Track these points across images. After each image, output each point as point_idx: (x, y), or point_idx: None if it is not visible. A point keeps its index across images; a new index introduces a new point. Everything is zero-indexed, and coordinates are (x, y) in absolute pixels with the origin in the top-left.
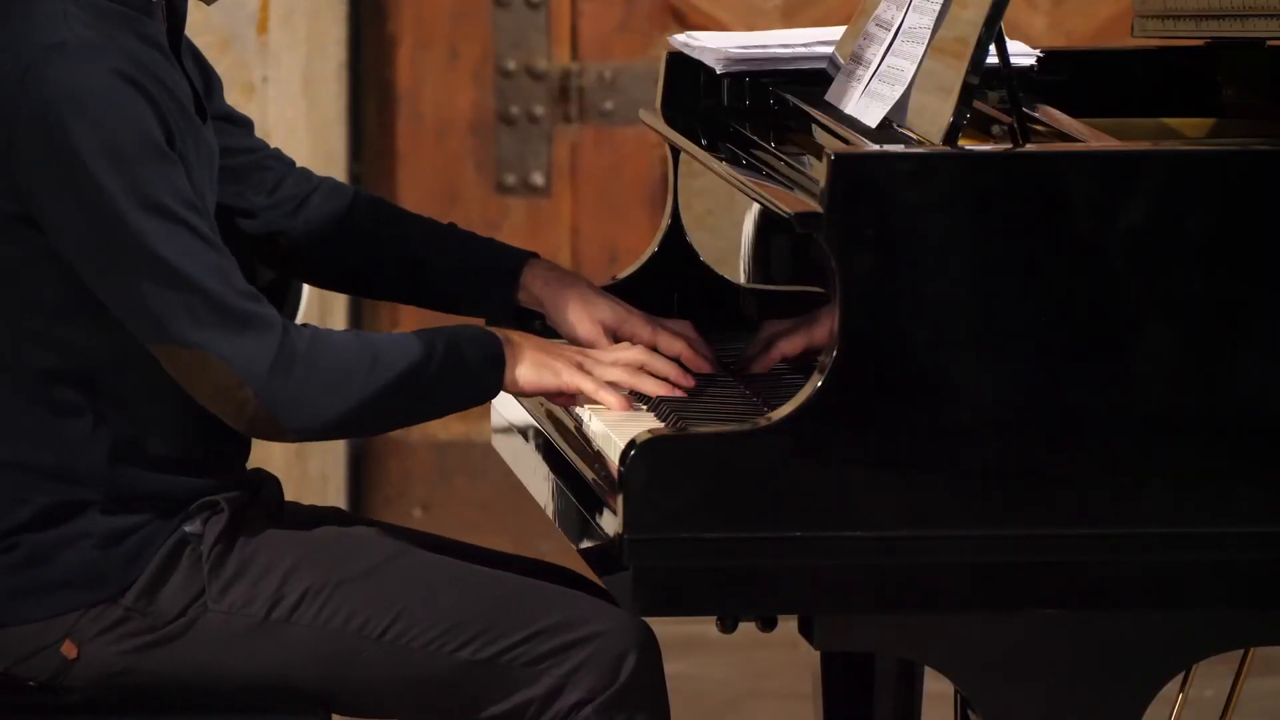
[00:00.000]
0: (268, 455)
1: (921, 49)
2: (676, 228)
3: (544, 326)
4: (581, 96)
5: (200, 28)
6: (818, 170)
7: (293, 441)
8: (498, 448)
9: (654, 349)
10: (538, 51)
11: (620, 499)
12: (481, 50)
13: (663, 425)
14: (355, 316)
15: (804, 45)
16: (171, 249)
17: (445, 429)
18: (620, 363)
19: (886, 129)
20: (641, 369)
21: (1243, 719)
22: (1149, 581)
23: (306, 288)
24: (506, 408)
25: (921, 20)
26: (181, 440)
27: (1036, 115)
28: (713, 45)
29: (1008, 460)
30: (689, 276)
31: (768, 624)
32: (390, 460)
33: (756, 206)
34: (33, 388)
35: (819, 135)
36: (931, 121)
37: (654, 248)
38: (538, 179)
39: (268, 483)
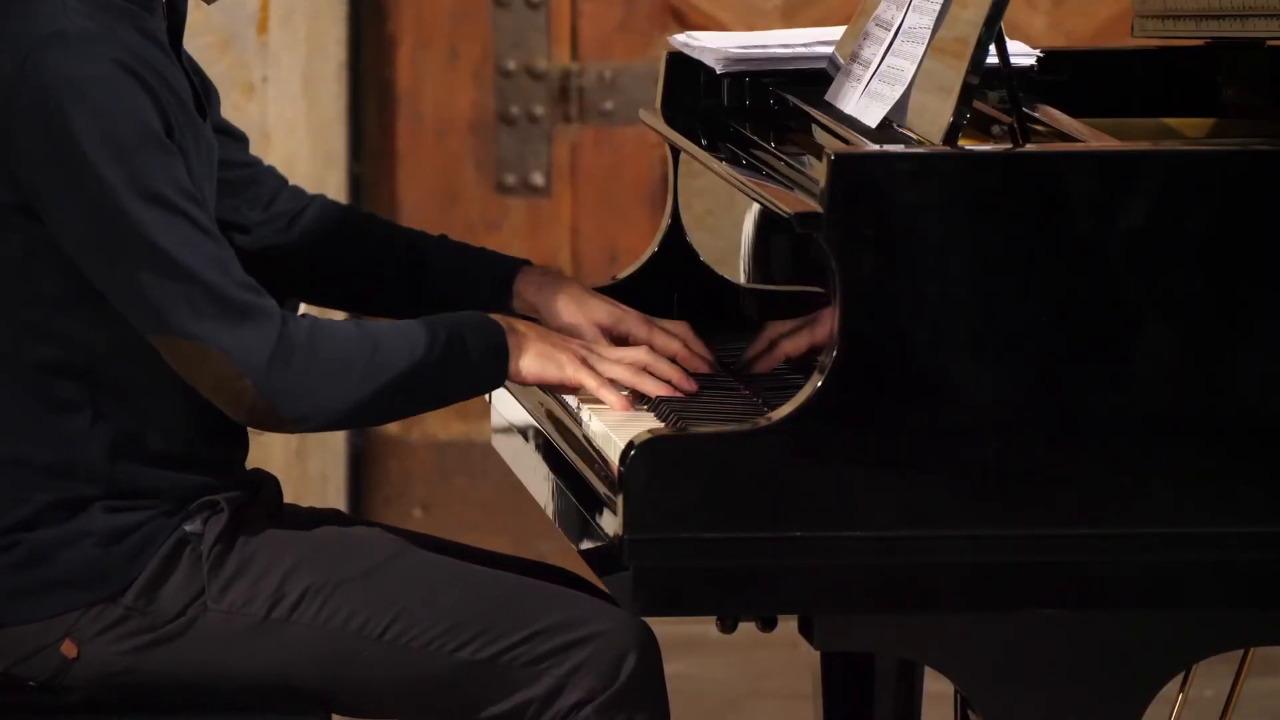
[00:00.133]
0: (267, 455)
1: (921, 49)
2: (676, 228)
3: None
4: (581, 96)
5: (200, 28)
6: (818, 170)
7: (293, 432)
8: (498, 448)
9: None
10: (538, 51)
11: (620, 499)
12: (481, 50)
13: (663, 425)
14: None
15: (804, 45)
16: (171, 240)
17: (445, 429)
18: (624, 361)
19: (886, 129)
20: (645, 369)
21: (1243, 719)
22: (1149, 581)
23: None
24: (506, 407)
25: (921, 20)
26: (181, 437)
27: (1036, 115)
28: (713, 45)
29: (1008, 460)
30: (689, 276)
31: (768, 624)
32: (390, 460)
33: (756, 206)
34: (32, 383)
35: (819, 135)
36: (931, 121)
37: (654, 248)
38: (538, 179)
39: (267, 483)
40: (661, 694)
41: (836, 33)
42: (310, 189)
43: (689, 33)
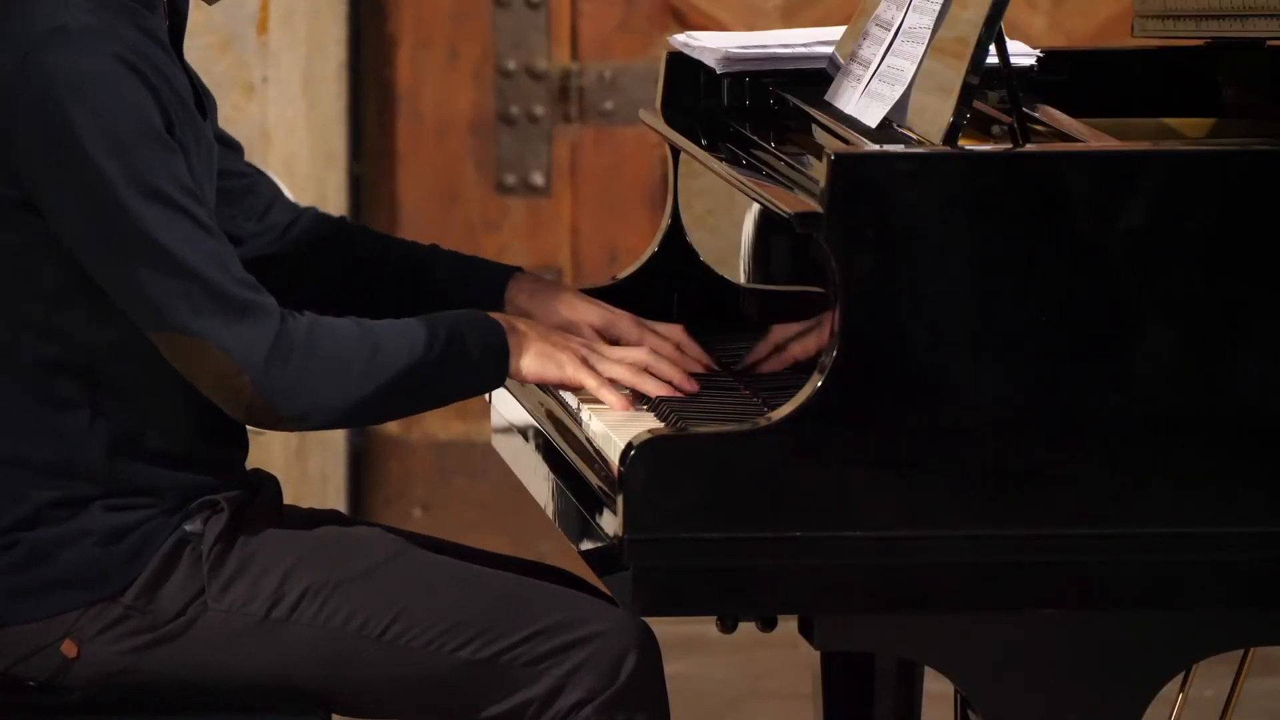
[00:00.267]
0: (267, 455)
1: (921, 49)
2: (676, 228)
3: None
4: (581, 96)
5: (200, 28)
6: (818, 170)
7: (291, 430)
8: (498, 448)
9: None
10: (538, 51)
11: (620, 499)
12: (481, 50)
13: (663, 425)
14: None
15: (804, 45)
16: (171, 236)
17: (445, 429)
18: (625, 361)
19: (886, 129)
20: (645, 369)
21: (1243, 719)
22: (1149, 581)
23: None
24: (506, 408)
25: (921, 20)
26: (181, 436)
27: (1036, 115)
28: (713, 45)
29: (1008, 460)
30: (689, 276)
31: (768, 624)
32: (390, 460)
33: (756, 206)
34: (31, 380)
35: (819, 135)
36: (931, 121)
37: (654, 248)
38: (538, 179)
39: (267, 483)
40: (661, 694)
41: (836, 33)
42: (310, 189)
43: (689, 33)
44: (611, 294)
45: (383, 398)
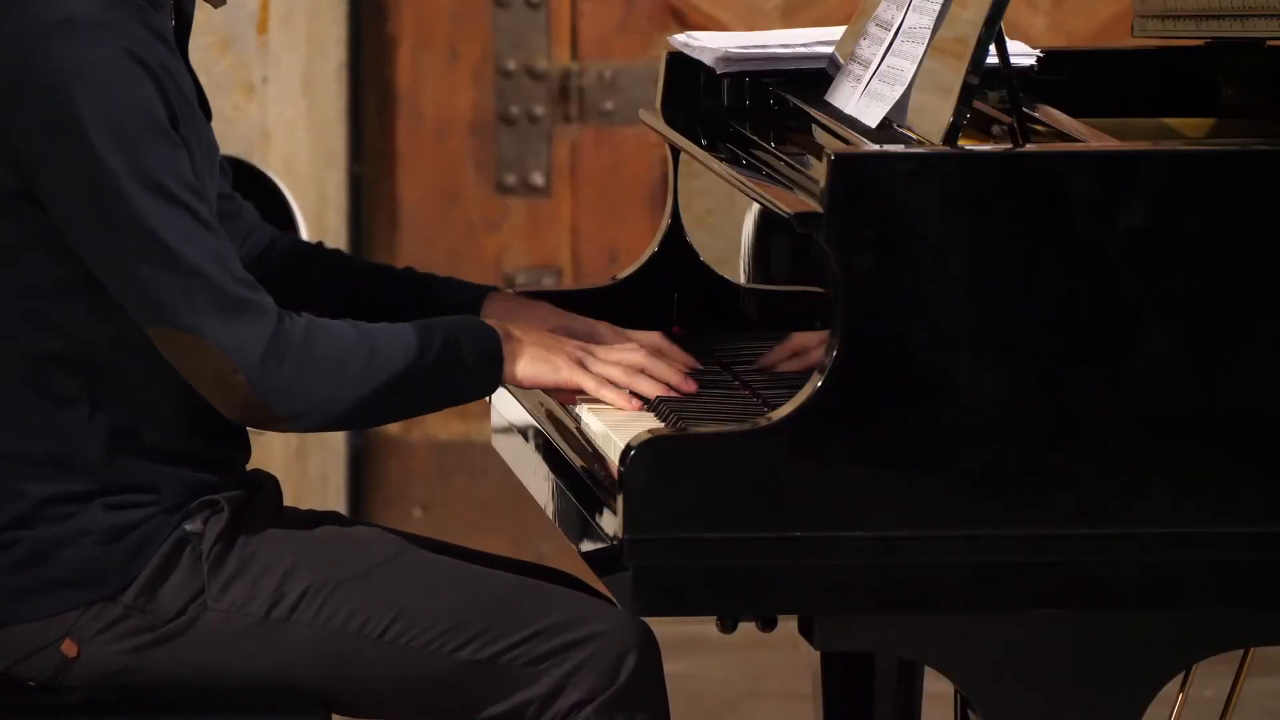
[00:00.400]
0: (267, 455)
1: (921, 49)
2: (676, 228)
3: None
4: (581, 96)
5: (200, 28)
6: (818, 170)
7: (286, 430)
8: (498, 448)
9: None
10: (538, 51)
11: (620, 499)
12: (481, 50)
13: (663, 425)
14: None
15: (804, 45)
16: (171, 230)
17: (445, 429)
18: (622, 363)
19: (886, 129)
20: (641, 370)
21: (1243, 719)
22: (1149, 581)
23: None
24: (506, 408)
25: (921, 20)
26: (180, 433)
27: (1036, 115)
28: (713, 45)
29: (1008, 460)
30: (689, 276)
31: (768, 624)
32: (390, 460)
33: (756, 206)
34: (30, 374)
35: (819, 135)
36: (931, 121)
37: (654, 248)
38: (538, 179)
39: (267, 483)
40: (661, 694)
41: (836, 33)
42: (310, 189)
43: (689, 33)
44: (611, 294)
45: (377, 400)
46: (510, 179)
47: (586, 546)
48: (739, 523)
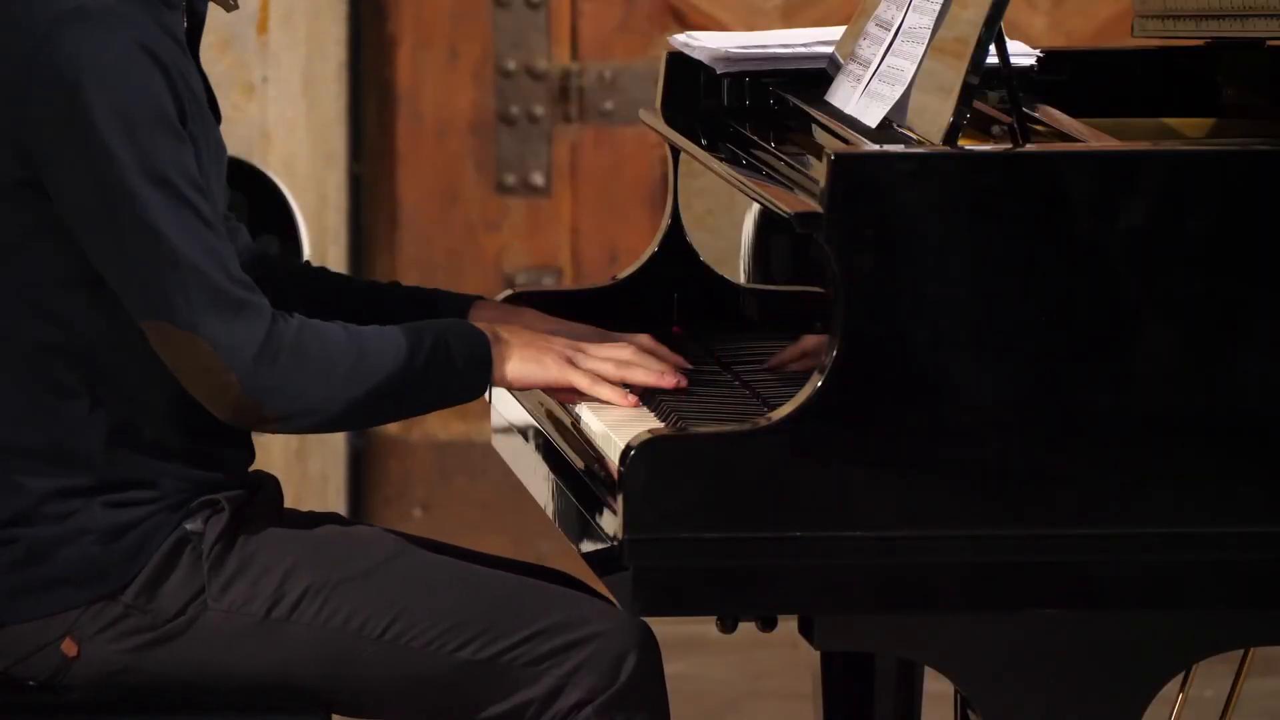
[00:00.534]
0: (267, 455)
1: (921, 49)
2: (676, 228)
3: None
4: (581, 96)
5: None
6: (818, 170)
7: (275, 431)
8: (498, 448)
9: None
10: (538, 51)
11: (620, 499)
12: (481, 50)
13: (663, 425)
14: None
15: (804, 45)
16: (172, 225)
17: (445, 429)
18: (612, 358)
19: (886, 129)
20: (630, 364)
21: (1243, 719)
22: (1149, 581)
23: None
24: (506, 408)
25: (921, 20)
26: (181, 431)
27: (1036, 115)
28: (713, 45)
29: (1008, 460)
30: (689, 276)
31: (768, 624)
32: (390, 460)
33: (756, 206)
34: (31, 365)
35: (819, 135)
36: (931, 121)
37: (654, 248)
38: (538, 179)
39: (267, 483)
40: (661, 694)
41: (836, 33)
42: (310, 189)
43: (689, 33)
44: (611, 294)
45: (368, 402)
46: (510, 179)
47: (586, 546)
48: (739, 523)
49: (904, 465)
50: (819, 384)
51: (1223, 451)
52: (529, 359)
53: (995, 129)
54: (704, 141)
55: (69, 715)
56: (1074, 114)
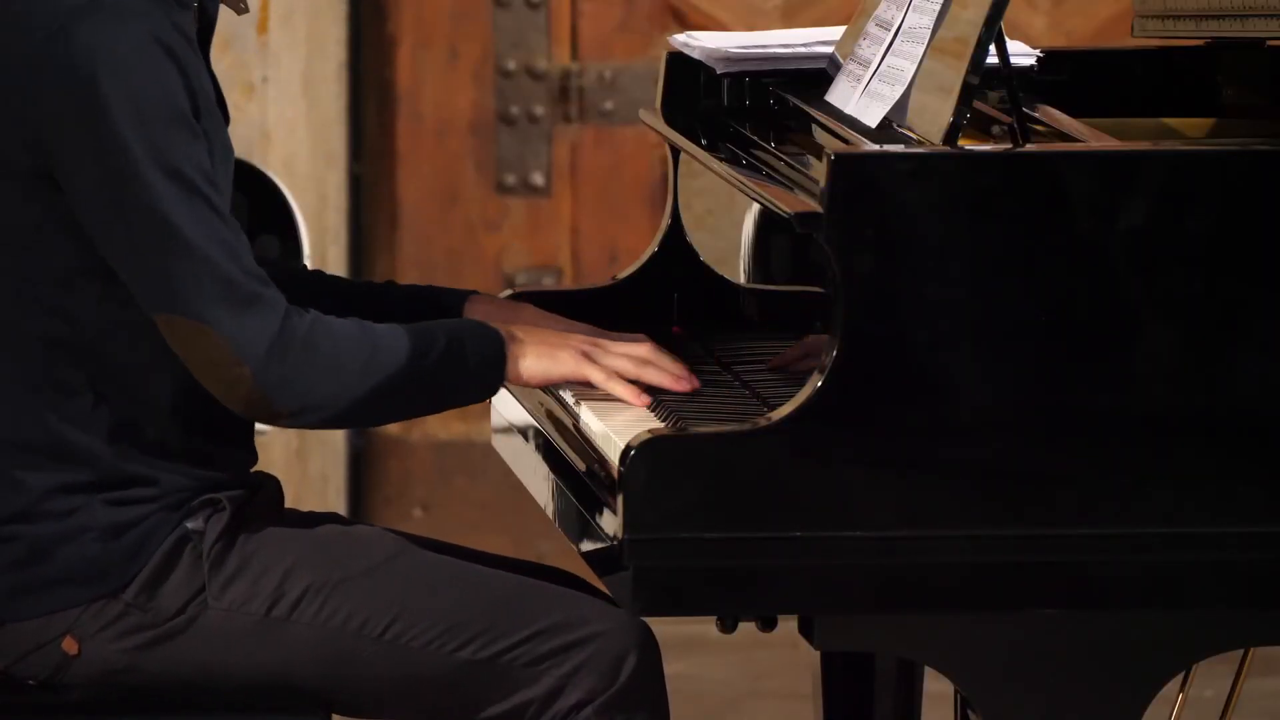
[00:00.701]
0: (267, 456)
1: (921, 49)
2: (676, 228)
3: None
4: (581, 96)
5: None
6: (818, 170)
7: (286, 426)
8: (498, 448)
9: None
10: (538, 51)
11: (620, 499)
12: (481, 50)
13: (663, 425)
14: None
15: (804, 45)
16: (186, 218)
17: (445, 429)
18: (629, 355)
19: (886, 129)
20: (648, 363)
21: (1243, 719)
22: (1149, 581)
23: None
24: (506, 408)
25: (921, 20)
26: (183, 430)
27: (1036, 115)
28: (713, 45)
29: (1008, 460)
30: (689, 276)
31: (768, 624)
32: (390, 460)
33: (756, 206)
34: (34, 361)
35: (819, 135)
36: (931, 121)
37: (654, 248)
38: (538, 179)
39: (268, 483)
40: (662, 694)
41: (836, 33)
42: (310, 189)
43: (689, 33)
44: (611, 294)
45: (379, 399)
46: (510, 179)
47: (586, 546)
48: (739, 523)
49: (904, 465)
50: (819, 384)
51: (1223, 451)
52: (544, 355)
53: (995, 129)
54: (704, 141)
55: (69, 715)
56: (1074, 114)
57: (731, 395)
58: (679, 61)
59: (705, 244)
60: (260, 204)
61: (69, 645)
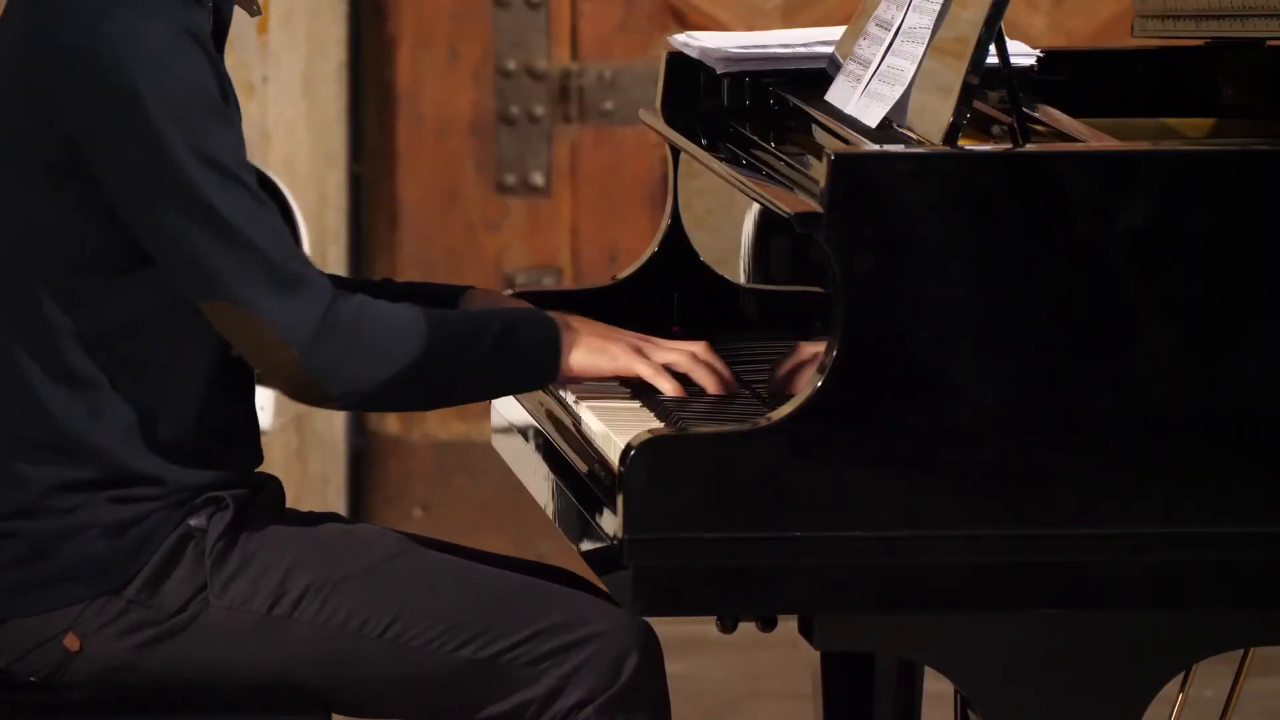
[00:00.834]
0: (268, 456)
1: (921, 49)
2: (676, 228)
3: None
4: (581, 96)
5: None
6: (818, 170)
7: (336, 408)
8: (498, 448)
9: None
10: (538, 51)
11: (620, 499)
12: (481, 50)
13: (663, 425)
14: None
15: (804, 45)
16: (227, 205)
17: (445, 429)
18: (682, 350)
19: (886, 129)
20: (700, 362)
21: (1243, 719)
22: (1149, 581)
23: None
24: (506, 408)
25: (921, 20)
26: (193, 429)
27: (1036, 115)
28: (713, 45)
29: (1008, 460)
30: (689, 276)
31: (768, 624)
32: (390, 460)
33: (756, 206)
34: (52, 352)
35: (819, 135)
36: (931, 121)
37: (654, 248)
38: (538, 179)
39: (269, 483)
40: (663, 695)
41: (836, 33)
42: (310, 189)
43: (689, 33)
44: (611, 294)
45: (428, 384)
46: (510, 179)
47: (586, 546)
48: (739, 523)
49: (904, 465)
50: (819, 384)
51: (1223, 451)
52: (596, 348)
53: (995, 129)
54: (704, 141)
55: (69, 715)
56: (1074, 114)
57: (731, 395)
58: (679, 61)
59: (705, 244)
60: None
61: (71, 641)
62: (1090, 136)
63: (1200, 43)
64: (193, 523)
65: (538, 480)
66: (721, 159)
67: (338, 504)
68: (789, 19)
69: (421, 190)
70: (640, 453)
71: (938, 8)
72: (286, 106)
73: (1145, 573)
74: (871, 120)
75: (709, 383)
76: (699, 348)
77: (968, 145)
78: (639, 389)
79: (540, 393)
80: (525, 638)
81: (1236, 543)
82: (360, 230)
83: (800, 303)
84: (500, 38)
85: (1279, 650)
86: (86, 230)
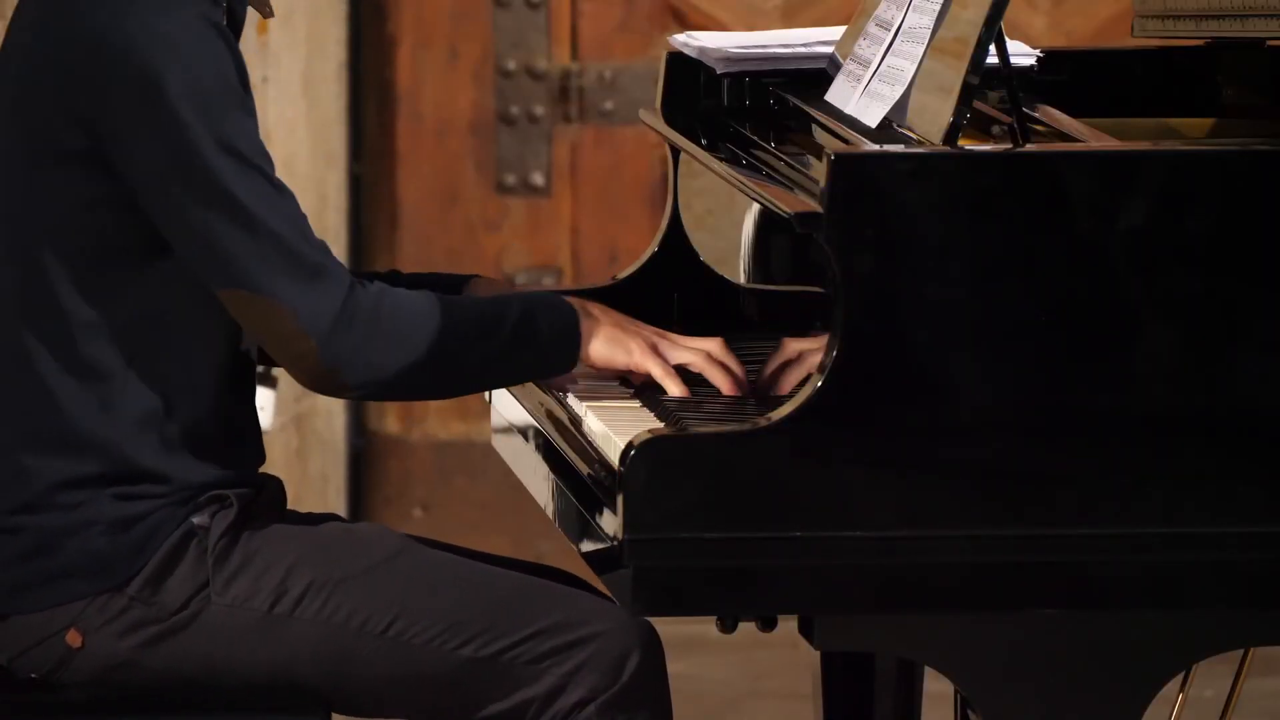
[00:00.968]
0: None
1: (921, 49)
2: (676, 228)
3: None
4: (581, 96)
5: None
6: (818, 170)
7: (354, 398)
8: (498, 448)
9: None
10: (538, 51)
11: (620, 499)
12: (481, 50)
13: (663, 425)
14: None
15: (804, 45)
16: (247, 192)
17: (445, 429)
18: (698, 349)
19: (886, 129)
20: (716, 362)
21: (1243, 719)
22: (1149, 581)
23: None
24: (506, 408)
25: (921, 20)
26: (201, 427)
27: (1036, 115)
28: (713, 45)
29: (1008, 460)
30: (689, 276)
31: (768, 624)
32: (390, 460)
33: (756, 206)
34: (67, 343)
35: (819, 135)
36: (931, 121)
37: (654, 248)
38: (538, 179)
39: (271, 483)
40: (664, 694)
41: (836, 33)
42: (310, 189)
43: (689, 33)
44: (611, 294)
45: (448, 372)
46: (510, 179)
47: (586, 546)
48: (739, 523)
49: (904, 465)
50: (819, 384)
51: (1223, 451)
52: (614, 340)
53: (995, 129)
54: (704, 141)
55: (70, 713)
56: (1074, 114)
57: (743, 397)
58: (679, 61)
59: (705, 244)
60: None
61: (73, 638)
62: (1090, 136)
63: (1200, 43)
64: (196, 521)
65: (538, 480)
66: (721, 159)
67: (338, 504)
68: (789, 19)
69: (421, 190)
70: (640, 452)
71: (938, 8)
72: (286, 106)
73: (1145, 573)
74: (871, 120)
75: (723, 383)
76: (714, 346)
77: (968, 145)
78: (640, 387)
79: (540, 393)
80: (526, 636)
81: (1236, 543)
82: (360, 230)
83: (800, 303)
84: (500, 38)
85: (1279, 650)
86: (106, 220)
